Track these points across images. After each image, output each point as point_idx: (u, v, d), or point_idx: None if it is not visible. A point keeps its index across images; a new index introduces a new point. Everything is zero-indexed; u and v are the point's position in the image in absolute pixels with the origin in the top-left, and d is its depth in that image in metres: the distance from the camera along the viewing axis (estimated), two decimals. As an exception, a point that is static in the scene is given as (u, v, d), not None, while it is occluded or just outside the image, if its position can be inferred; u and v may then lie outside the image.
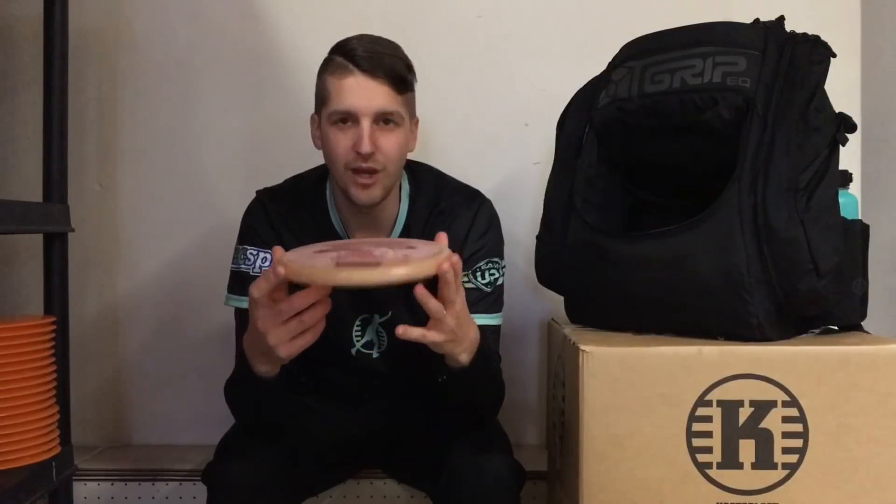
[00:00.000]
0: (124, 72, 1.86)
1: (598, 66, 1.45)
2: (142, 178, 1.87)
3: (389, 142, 1.30)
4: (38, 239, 1.59)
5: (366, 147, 1.27)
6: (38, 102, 1.57)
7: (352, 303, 1.41)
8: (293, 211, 1.40)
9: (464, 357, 1.16)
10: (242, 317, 1.35)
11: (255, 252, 1.38)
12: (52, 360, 1.47)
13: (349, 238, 1.40)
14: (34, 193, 1.60)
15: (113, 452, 1.83)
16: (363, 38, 1.32)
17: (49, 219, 1.51)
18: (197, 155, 1.87)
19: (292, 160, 1.83)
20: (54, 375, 1.47)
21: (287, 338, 1.07)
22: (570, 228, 1.40)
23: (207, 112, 1.86)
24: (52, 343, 1.46)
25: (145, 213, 1.87)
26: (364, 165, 1.29)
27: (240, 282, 1.38)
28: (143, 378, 1.88)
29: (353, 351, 1.44)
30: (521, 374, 1.86)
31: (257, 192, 1.45)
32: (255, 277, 1.35)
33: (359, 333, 1.43)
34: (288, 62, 1.84)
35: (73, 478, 1.63)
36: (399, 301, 1.38)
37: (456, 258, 1.06)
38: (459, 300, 1.10)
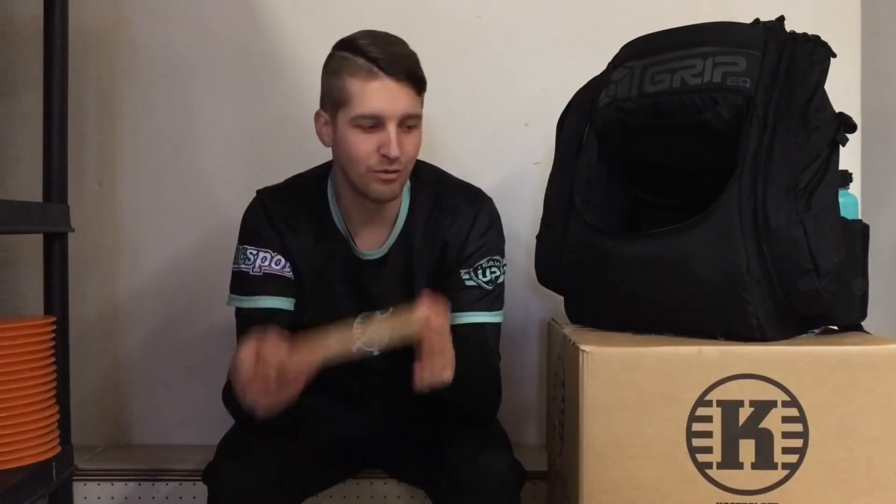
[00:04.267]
0: (124, 72, 1.86)
1: (598, 66, 1.45)
2: (142, 177, 1.87)
3: (411, 143, 1.31)
4: (38, 239, 1.59)
5: (395, 151, 1.27)
6: (38, 102, 1.57)
7: (353, 301, 1.41)
8: (294, 209, 1.41)
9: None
10: (245, 317, 1.36)
11: (254, 252, 1.38)
12: (52, 360, 1.46)
13: (350, 234, 1.40)
14: (34, 193, 1.60)
15: (113, 452, 1.83)
16: (378, 39, 1.31)
17: (49, 219, 1.51)
18: (197, 154, 1.87)
19: (292, 159, 1.83)
20: (54, 375, 1.47)
21: (268, 401, 1.07)
22: (570, 228, 1.40)
23: (207, 112, 1.86)
24: (52, 343, 1.46)
25: (145, 213, 1.87)
26: (389, 168, 1.29)
27: (241, 282, 1.38)
28: (143, 378, 1.88)
29: (354, 348, 1.44)
30: (521, 374, 1.86)
31: (258, 191, 1.45)
32: (255, 277, 1.36)
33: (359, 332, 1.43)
34: (287, 62, 1.84)
35: (73, 478, 1.63)
36: (401, 297, 1.39)
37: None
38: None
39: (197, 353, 1.86)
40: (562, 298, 1.48)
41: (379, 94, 1.27)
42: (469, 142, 1.86)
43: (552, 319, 1.61)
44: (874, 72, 1.80)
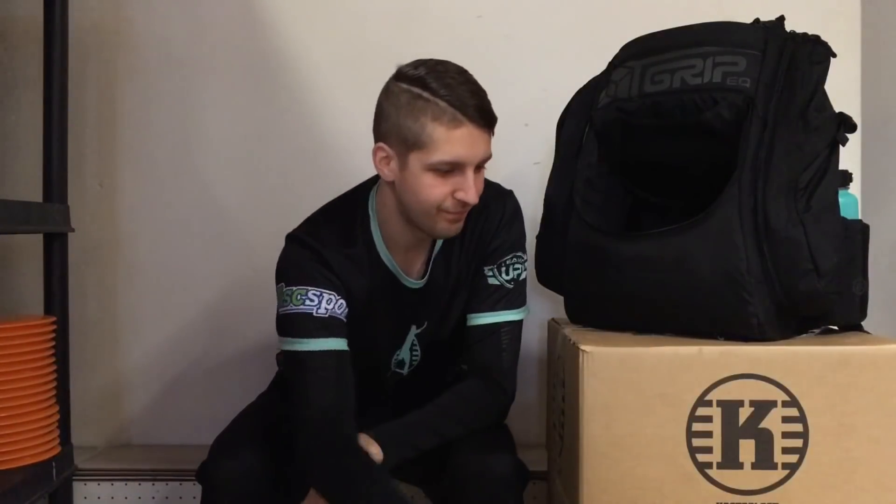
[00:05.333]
0: (124, 72, 1.86)
1: (598, 66, 1.45)
2: (142, 177, 1.87)
3: (481, 182, 1.29)
4: (38, 239, 1.59)
5: (473, 198, 1.25)
6: (38, 102, 1.57)
7: (391, 328, 1.40)
8: (342, 249, 1.34)
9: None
10: (311, 359, 1.28)
11: (317, 293, 1.29)
12: (52, 360, 1.47)
13: (395, 264, 1.37)
14: (34, 193, 1.60)
15: (113, 452, 1.83)
16: (453, 77, 1.25)
17: (49, 219, 1.52)
18: (197, 154, 1.87)
19: (291, 159, 1.84)
20: (54, 375, 1.47)
21: None
22: (570, 228, 1.40)
23: (207, 111, 1.86)
24: (52, 343, 1.47)
25: (145, 213, 1.87)
26: (462, 210, 1.28)
27: (303, 322, 1.28)
28: (143, 378, 1.88)
29: (388, 374, 1.45)
30: (521, 374, 1.84)
31: (294, 236, 1.35)
32: (320, 318, 1.28)
33: (395, 358, 1.44)
34: (288, 62, 1.84)
35: (73, 478, 1.63)
36: (434, 312, 1.40)
37: None
38: None
39: (197, 353, 1.86)
40: (562, 298, 1.48)
41: (463, 141, 1.22)
42: (469, 142, 1.86)
43: (552, 319, 1.61)
44: (874, 72, 1.80)
